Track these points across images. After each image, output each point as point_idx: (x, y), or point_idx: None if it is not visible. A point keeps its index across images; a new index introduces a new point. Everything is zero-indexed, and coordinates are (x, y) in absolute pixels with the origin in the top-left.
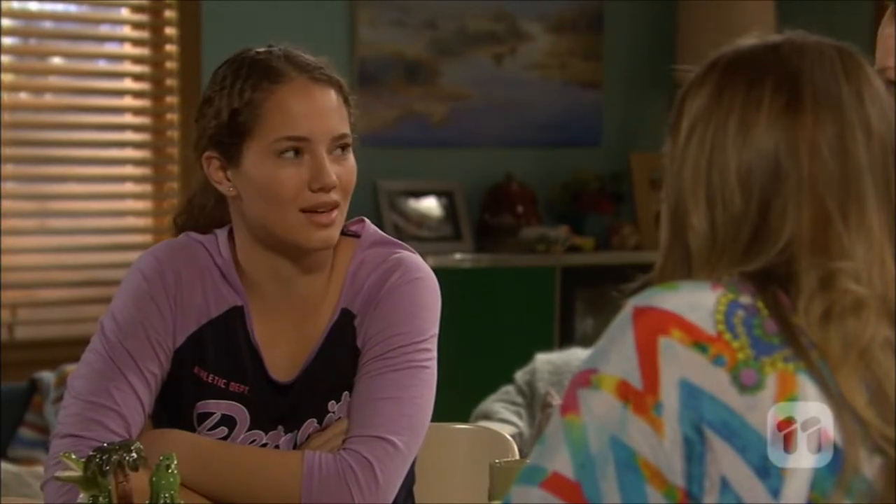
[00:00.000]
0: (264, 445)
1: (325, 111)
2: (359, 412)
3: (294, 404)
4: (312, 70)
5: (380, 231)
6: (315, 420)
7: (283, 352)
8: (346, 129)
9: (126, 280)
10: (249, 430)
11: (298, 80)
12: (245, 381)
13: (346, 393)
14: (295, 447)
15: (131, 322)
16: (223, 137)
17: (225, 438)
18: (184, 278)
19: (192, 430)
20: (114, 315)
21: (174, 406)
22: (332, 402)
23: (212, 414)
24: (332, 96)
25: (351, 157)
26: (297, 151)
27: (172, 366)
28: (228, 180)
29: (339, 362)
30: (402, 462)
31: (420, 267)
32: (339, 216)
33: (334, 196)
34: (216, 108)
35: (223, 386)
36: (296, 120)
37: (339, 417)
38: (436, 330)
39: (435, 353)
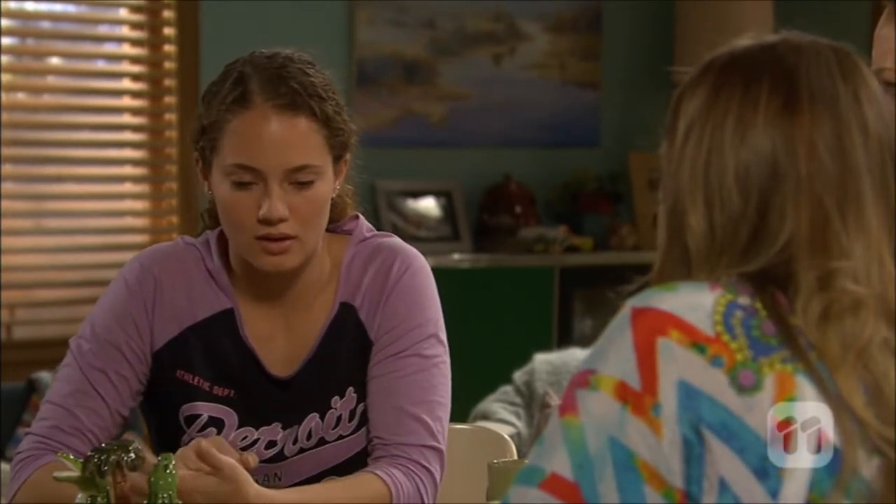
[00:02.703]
0: (256, 441)
1: (281, 143)
2: (403, 418)
3: (294, 399)
4: (283, 96)
5: (371, 226)
6: (317, 415)
7: (281, 348)
8: (310, 160)
9: (110, 285)
10: (239, 427)
11: (260, 109)
12: (230, 384)
13: (350, 388)
14: (295, 443)
15: (103, 328)
16: (201, 144)
17: None
18: (165, 283)
19: (182, 432)
20: (90, 318)
21: (160, 409)
22: (336, 397)
23: (199, 416)
24: (297, 125)
25: (317, 187)
26: (247, 181)
27: (153, 369)
28: (207, 182)
29: (341, 357)
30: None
31: (413, 253)
32: (296, 245)
33: (284, 228)
34: (199, 114)
35: (207, 389)
36: (247, 150)
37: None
38: (441, 315)
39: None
